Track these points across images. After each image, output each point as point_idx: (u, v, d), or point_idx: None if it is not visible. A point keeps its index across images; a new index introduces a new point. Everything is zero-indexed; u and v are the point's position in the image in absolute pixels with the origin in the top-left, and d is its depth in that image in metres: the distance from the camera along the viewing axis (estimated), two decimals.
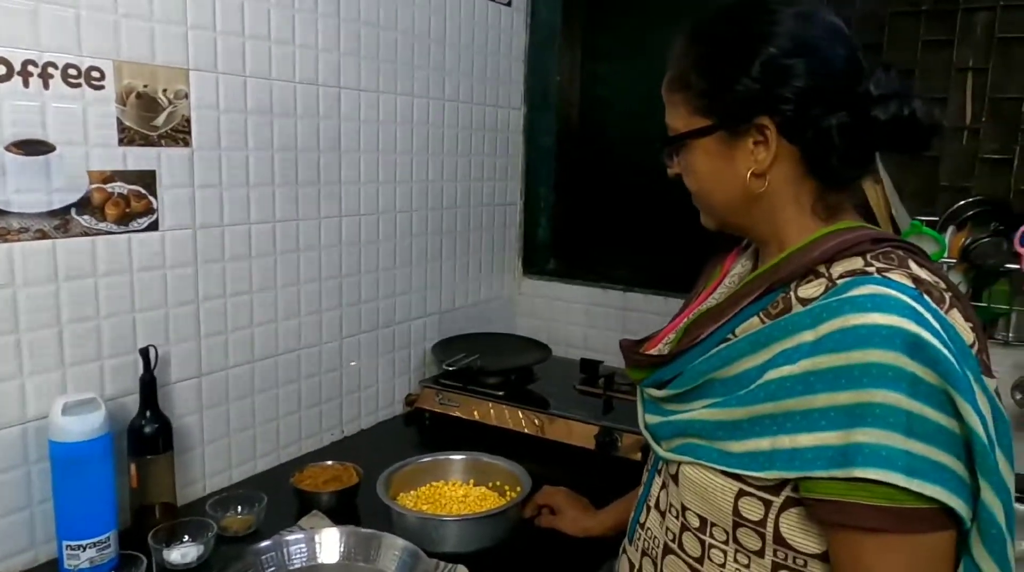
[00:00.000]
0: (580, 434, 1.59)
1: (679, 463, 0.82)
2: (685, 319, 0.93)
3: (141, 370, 1.18)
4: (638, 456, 1.50)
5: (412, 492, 1.30)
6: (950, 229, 1.57)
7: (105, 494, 1.09)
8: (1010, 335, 1.51)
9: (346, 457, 1.47)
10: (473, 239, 1.95)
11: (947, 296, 0.73)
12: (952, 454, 0.66)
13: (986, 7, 1.64)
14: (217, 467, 1.37)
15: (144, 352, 1.17)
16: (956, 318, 0.72)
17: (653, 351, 0.93)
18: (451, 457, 1.36)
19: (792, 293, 0.76)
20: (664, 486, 0.88)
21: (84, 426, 1.06)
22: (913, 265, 0.74)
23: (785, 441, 0.70)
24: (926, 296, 0.70)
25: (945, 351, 0.65)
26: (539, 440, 1.62)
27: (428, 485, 1.32)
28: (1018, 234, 1.39)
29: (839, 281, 0.73)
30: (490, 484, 1.33)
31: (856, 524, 0.67)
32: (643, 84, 2.05)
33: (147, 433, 1.17)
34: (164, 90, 1.19)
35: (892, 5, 1.72)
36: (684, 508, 0.82)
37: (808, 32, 0.76)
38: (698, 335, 0.82)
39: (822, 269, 0.75)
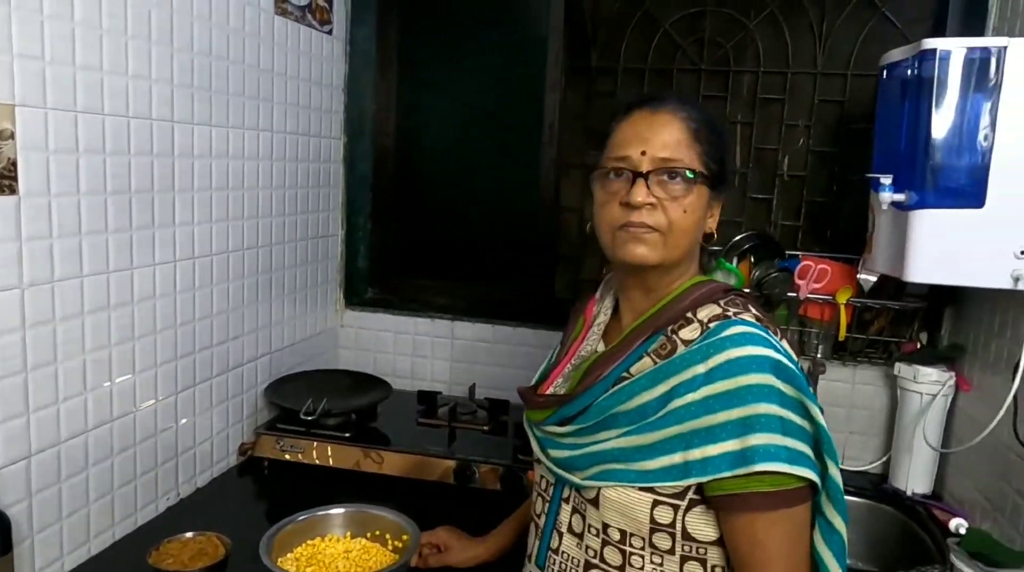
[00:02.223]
0: (433, 469, 1.62)
1: (599, 488, 0.94)
2: (569, 363, 1.06)
3: None
4: (497, 486, 1.57)
5: (290, 555, 1.23)
6: (733, 259, 1.85)
7: None
8: None
9: (184, 521, 1.36)
10: (299, 274, 1.87)
11: (778, 330, 0.95)
12: (808, 444, 0.87)
13: (750, 71, 1.95)
14: (48, 558, 1.19)
15: None
16: (786, 345, 0.94)
17: (549, 391, 1.05)
18: (330, 512, 1.31)
19: (675, 336, 0.94)
20: (576, 511, 0.99)
21: None
22: (752, 308, 0.96)
23: (696, 453, 0.87)
24: (769, 330, 0.92)
25: (796, 370, 0.89)
26: (389, 478, 1.62)
27: (304, 544, 1.27)
28: (797, 269, 1.69)
29: (711, 325, 0.92)
30: (368, 535, 1.31)
31: (756, 508, 0.86)
32: (455, 113, 2.13)
33: None
34: None
35: (678, 63, 1.98)
36: (606, 526, 0.95)
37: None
38: (598, 375, 0.97)
39: (691, 315, 0.95)
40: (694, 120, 0.97)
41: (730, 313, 0.93)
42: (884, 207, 1.42)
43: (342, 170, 2.05)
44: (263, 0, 1.60)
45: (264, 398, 1.74)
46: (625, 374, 0.95)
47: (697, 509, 0.90)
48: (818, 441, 0.88)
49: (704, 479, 0.87)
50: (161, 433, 1.42)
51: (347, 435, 1.66)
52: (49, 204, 1.12)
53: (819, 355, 1.78)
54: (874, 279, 1.69)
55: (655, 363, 0.93)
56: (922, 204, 1.36)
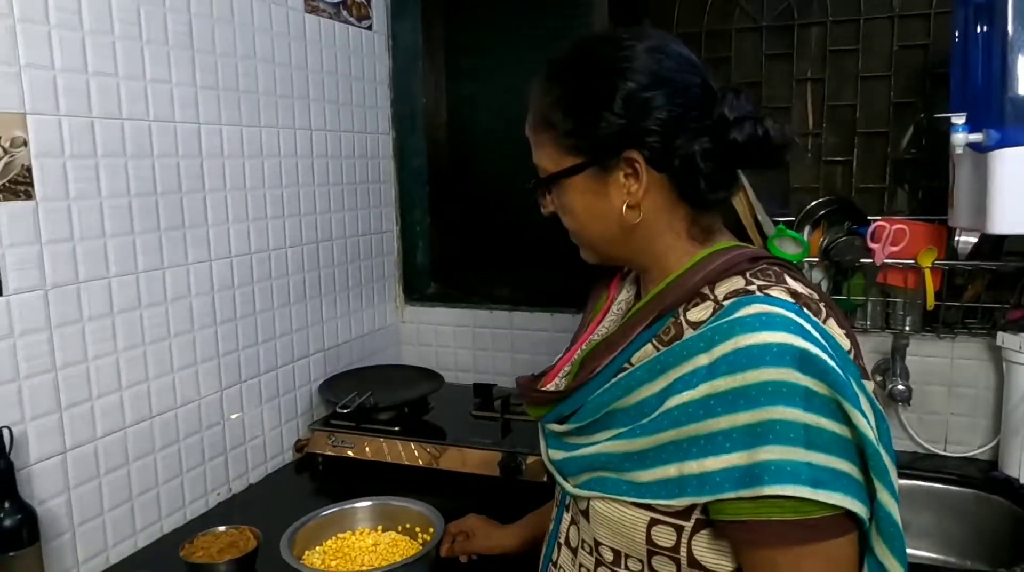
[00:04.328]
0: (482, 462, 1.56)
1: (589, 498, 0.80)
2: (579, 351, 0.92)
3: None
4: (544, 478, 1.50)
5: (318, 548, 1.22)
6: (806, 229, 1.68)
7: None
8: (867, 323, 1.64)
9: (237, 517, 1.37)
10: (351, 271, 1.88)
11: (823, 307, 0.75)
12: (848, 460, 0.68)
13: (818, 22, 1.78)
14: (92, 550, 1.23)
15: None
16: (833, 328, 0.74)
17: (550, 386, 0.91)
18: (355, 505, 1.29)
19: (682, 317, 0.77)
20: (573, 522, 0.86)
21: None
22: (789, 280, 0.77)
23: (693, 466, 0.70)
24: (806, 309, 0.72)
25: (831, 362, 0.68)
26: (440, 472, 1.59)
27: (334, 538, 1.25)
28: (868, 231, 1.51)
29: (725, 302, 0.74)
30: (399, 528, 1.28)
31: (768, 542, 0.68)
32: (506, 102, 2.07)
33: (7, 527, 1.03)
34: None
35: (736, 22, 1.83)
36: (597, 543, 0.81)
37: (662, 65, 0.78)
38: (595, 367, 0.81)
39: (707, 291, 0.77)
40: (538, 103, 0.83)
41: (753, 287, 0.74)
42: (959, 151, 1.25)
43: (392, 166, 2.04)
44: None
45: (319, 395, 1.76)
46: (626, 365, 0.79)
47: (706, 532, 0.73)
48: (864, 455, 0.69)
49: (702, 499, 0.70)
50: (207, 430, 1.45)
51: (396, 429, 1.64)
52: (68, 208, 1.16)
53: (907, 328, 1.59)
54: (973, 241, 1.49)
55: (657, 350, 0.76)
56: (1003, 143, 1.18)
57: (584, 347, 0.90)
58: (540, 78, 0.84)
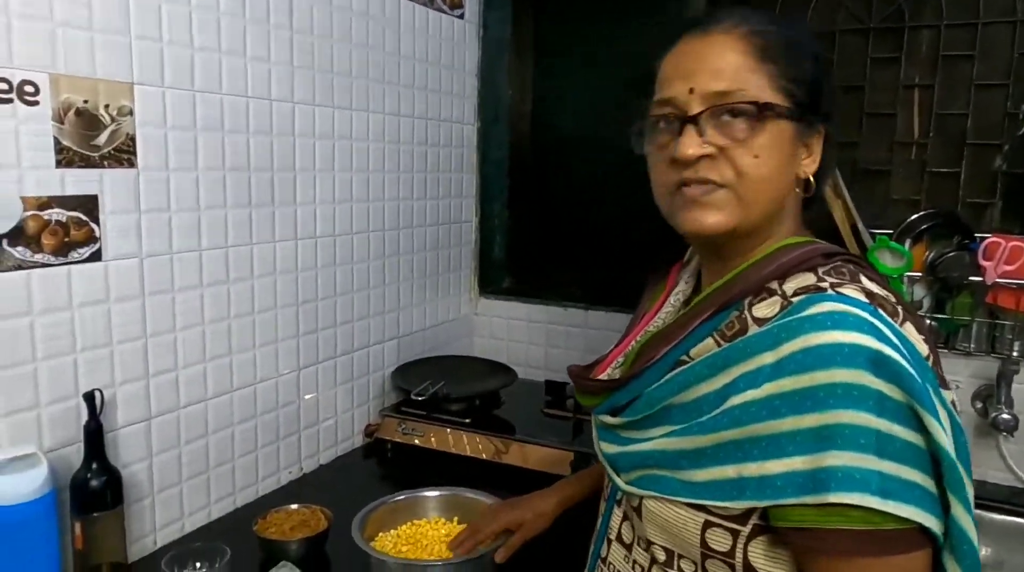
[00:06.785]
0: (552, 460, 1.53)
1: (641, 497, 0.77)
2: (633, 341, 0.89)
3: (85, 417, 1.06)
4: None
5: (392, 532, 1.21)
6: (907, 242, 1.59)
7: (48, 561, 0.97)
8: (971, 346, 1.54)
9: (306, 496, 1.37)
10: (429, 259, 1.87)
11: (900, 309, 0.71)
12: (921, 470, 0.64)
13: (930, 25, 1.68)
14: (169, 517, 1.25)
15: (89, 397, 1.05)
16: (910, 331, 0.70)
17: (603, 376, 0.88)
18: (428, 494, 1.27)
19: (747, 312, 0.73)
20: (626, 518, 0.84)
21: (23, 486, 0.94)
22: (864, 279, 0.73)
23: (752, 468, 0.67)
24: (880, 310, 0.68)
25: (907, 366, 0.64)
26: (509, 468, 1.56)
27: (409, 524, 1.24)
28: (980, 247, 1.42)
29: (794, 299, 0.70)
30: (472, 521, 1.25)
31: (833, 551, 0.64)
32: (590, 102, 2.04)
33: (94, 487, 1.05)
34: (106, 106, 1.08)
35: (842, 23, 1.75)
36: (650, 542, 0.78)
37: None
38: (652, 357, 0.78)
39: (775, 286, 0.73)
40: (762, 34, 0.74)
41: (825, 284, 0.70)
42: None
43: (475, 156, 2.03)
44: None
45: (392, 381, 1.75)
46: (685, 357, 0.75)
47: (763, 538, 0.69)
48: (939, 467, 0.64)
49: (761, 503, 0.66)
50: (282, 408, 1.46)
51: (467, 421, 1.62)
52: (167, 178, 1.18)
53: (1015, 353, 1.48)
54: None
55: (719, 345, 0.73)
56: None
57: (640, 337, 0.88)
58: (764, 14, 0.77)
